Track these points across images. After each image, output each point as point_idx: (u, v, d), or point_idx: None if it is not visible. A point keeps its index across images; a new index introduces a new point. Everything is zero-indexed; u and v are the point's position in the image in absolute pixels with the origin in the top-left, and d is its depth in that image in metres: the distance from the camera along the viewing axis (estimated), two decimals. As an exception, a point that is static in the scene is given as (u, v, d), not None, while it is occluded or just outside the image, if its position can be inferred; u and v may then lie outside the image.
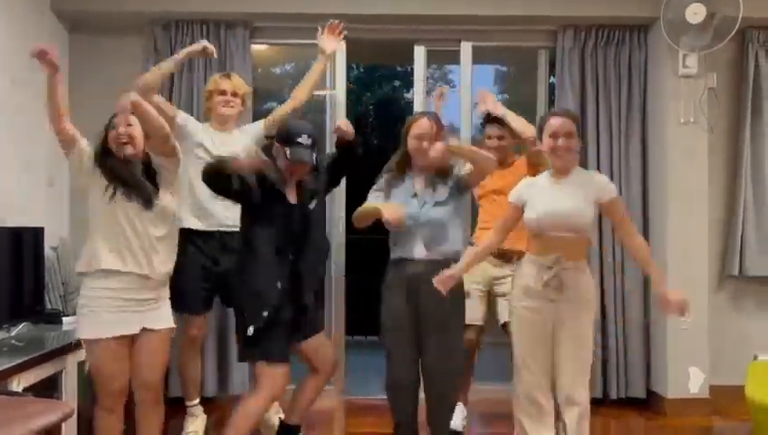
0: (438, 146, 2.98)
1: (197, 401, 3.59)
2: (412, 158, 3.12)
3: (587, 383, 2.83)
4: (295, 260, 2.93)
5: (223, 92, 3.50)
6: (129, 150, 2.74)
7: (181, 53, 3.45)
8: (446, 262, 3.00)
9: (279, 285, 2.86)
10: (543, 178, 2.92)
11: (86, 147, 2.78)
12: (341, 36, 3.61)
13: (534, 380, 2.80)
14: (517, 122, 3.63)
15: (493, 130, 3.73)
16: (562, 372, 2.78)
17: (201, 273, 3.41)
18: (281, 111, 3.62)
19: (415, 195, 3.08)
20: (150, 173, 2.79)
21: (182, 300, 3.23)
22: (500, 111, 3.68)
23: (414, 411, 3.09)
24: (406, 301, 3.02)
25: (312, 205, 3.00)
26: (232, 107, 3.50)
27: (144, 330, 2.76)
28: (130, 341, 2.76)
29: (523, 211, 2.88)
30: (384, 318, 3.08)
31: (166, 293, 2.88)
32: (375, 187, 3.15)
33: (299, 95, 3.60)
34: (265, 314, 2.81)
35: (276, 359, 2.86)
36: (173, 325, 2.89)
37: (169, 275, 2.86)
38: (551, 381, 2.81)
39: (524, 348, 2.83)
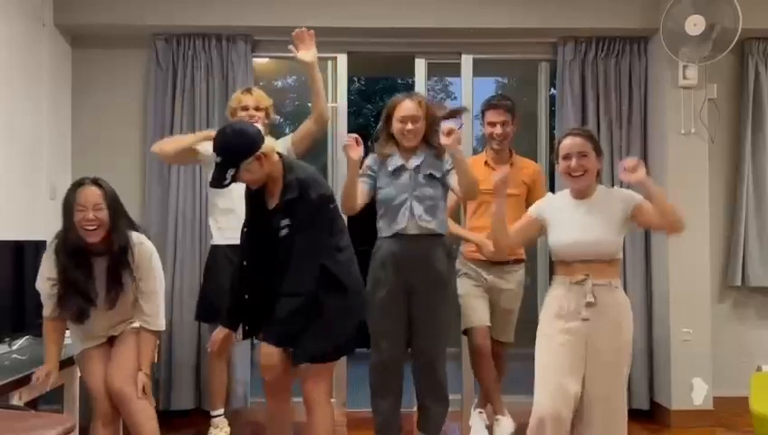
0: (454, 139, 2.84)
1: (221, 411, 3.59)
2: (398, 139, 3.10)
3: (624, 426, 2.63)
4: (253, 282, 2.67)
5: (245, 108, 3.50)
6: (98, 236, 2.65)
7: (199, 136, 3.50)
8: (436, 236, 3.00)
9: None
10: (564, 198, 2.74)
11: None
12: (312, 39, 3.45)
13: (559, 404, 2.54)
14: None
15: (496, 115, 3.40)
16: (593, 417, 2.55)
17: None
18: (305, 125, 3.59)
19: (404, 168, 3.07)
20: (117, 265, 2.71)
21: (210, 310, 3.33)
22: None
23: (397, 399, 3.14)
24: (396, 276, 3.02)
25: (284, 227, 2.55)
26: (256, 121, 3.48)
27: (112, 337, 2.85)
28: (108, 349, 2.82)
29: (540, 225, 2.74)
30: (372, 294, 3.01)
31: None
32: (360, 172, 3.09)
33: (315, 109, 3.55)
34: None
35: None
36: (138, 323, 2.83)
37: None
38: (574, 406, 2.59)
39: (556, 372, 2.58)
